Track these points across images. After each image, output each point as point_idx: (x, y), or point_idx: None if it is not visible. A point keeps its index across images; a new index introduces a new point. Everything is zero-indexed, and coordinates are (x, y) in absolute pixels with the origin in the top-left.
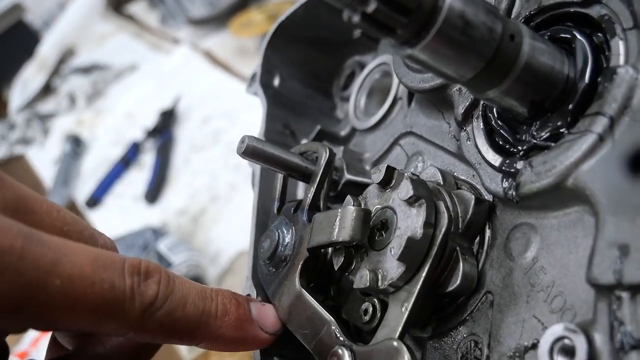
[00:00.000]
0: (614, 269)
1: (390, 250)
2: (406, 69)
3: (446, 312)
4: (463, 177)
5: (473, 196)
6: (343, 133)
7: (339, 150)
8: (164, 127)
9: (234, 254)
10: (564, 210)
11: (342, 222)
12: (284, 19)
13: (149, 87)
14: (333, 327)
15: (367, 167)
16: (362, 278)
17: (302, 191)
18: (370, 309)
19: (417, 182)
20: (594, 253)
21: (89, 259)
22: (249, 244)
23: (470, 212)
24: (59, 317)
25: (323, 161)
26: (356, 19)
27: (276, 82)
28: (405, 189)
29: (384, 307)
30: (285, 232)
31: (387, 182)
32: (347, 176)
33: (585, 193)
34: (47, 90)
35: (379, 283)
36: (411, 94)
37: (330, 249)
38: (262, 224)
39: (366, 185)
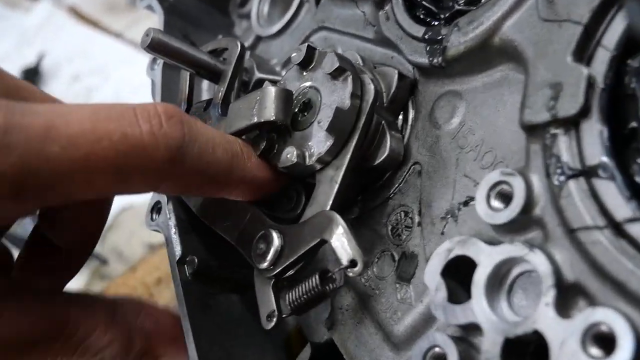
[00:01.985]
0: (547, 106)
1: (318, 123)
2: None
3: (373, 189)
4: (381, 61)
5: (396, 70)
6: (247, 44)
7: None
8: None
9: (116, 210)
10: (488, 71)
11: (262, 103)
12: None
13: (7, 45)
14: (257, 214)
15: (278, 69)
16: (288, 155)
17: (207, 96)
18: (295, 195)
19: (341, 56)
20: (526, 97)
21: (89, 113)
22: None
23: (394, 86)
24: (71, 186)
25: (235, 55)
26: None
27: None
28: (330, 62)
29: (308, 192)
30: None
31: (308, 62)
32: (258, 74)
33: (512, 45)
34: None
35: (307, 160)
36: None
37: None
38: None
39: (276, 83)
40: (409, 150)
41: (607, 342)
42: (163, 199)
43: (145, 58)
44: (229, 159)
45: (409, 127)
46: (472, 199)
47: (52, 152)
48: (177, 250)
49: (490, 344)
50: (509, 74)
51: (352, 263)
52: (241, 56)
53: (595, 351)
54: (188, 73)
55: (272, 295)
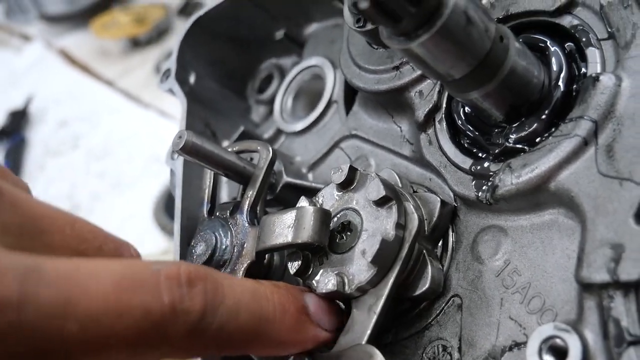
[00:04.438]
0: (607, 267)
1: (362, 253)
2: (357, 69)
3: (408, 317)
4: (418, 181)
5: (439, 198)
6: (266, 135)
7: None
8: (14, 129)
9: None
10: (537, 212)
11: (300, 223)
12: (203, 14)
13: None
14: None
15: (304, 170)
16: (328, 283)
17: (225, 194)
18: None
19: (386, 183)
20: (585, 252)
21: (112, 283)
22: (174, 250)
23: (436, 215)
24: None
25: (266, 161)
26: (365, 4)
27: (192, 79)
28: (376, 190)
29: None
30: (222, 234)
31: (349, 183)
32: (286, 179)
33: (568, 195)
34: None
35: (346, 287)
36: (350, 97)
37: (275, 254)
38: (187, 228)
39: (305, 189)
40: (448, 280)
41: None
42: None
43: (136, 108)
44: (255, 324)
45: (448, 257)
46: (517, 344)
47: (69, 333)
48: None
49: None
50: (559, 218)
51: None
52: (272, 163)
53: None
54: (212, 172)
55: None
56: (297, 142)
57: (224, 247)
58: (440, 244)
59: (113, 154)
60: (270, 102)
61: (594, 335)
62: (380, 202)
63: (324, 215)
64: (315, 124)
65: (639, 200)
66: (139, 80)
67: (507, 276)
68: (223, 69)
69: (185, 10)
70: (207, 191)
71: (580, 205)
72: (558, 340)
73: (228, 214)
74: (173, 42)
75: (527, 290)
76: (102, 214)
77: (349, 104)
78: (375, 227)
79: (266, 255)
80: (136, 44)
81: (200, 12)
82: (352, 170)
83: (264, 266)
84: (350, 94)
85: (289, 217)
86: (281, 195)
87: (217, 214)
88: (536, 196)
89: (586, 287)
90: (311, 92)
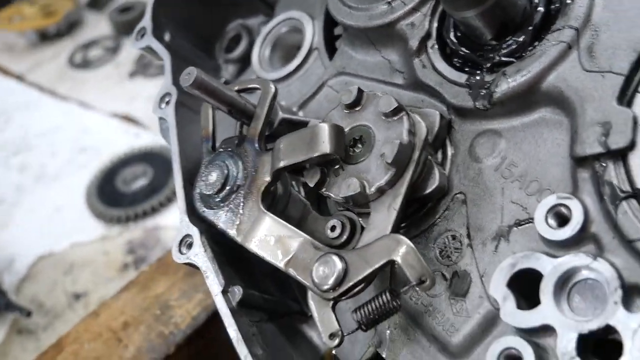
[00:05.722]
0: (599, 141)
1: (381, 156)
2: (347, 9)
3: (416, 217)
4: (411, 104)
5: (437, 112)
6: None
7: None
8: None
9: (32, 259)
10: (526, 113)
11: (317, 138)
12: None
13: None
14: (310, 241)
15: (294, 109)
16: (350, 186)
17: None
18: (339, 225)
19: (394, 97)
20: (578, 133)
21: None
22: (177, 186)
23: (437, 126)
24: None
25: (270, 96)
26: None
27: (167, 37)
28: (388, 102)
29: (352, 221)
30: (232, 163)
31: (356, 103)
32: (282, 115)
33: (558, 91)
34: None
35: (367, 189)
36: (330, 43)
37: (279, 184)
38: (186, 167)
39: (299, 123)
40: (450, 182)
41: None
42: (195, 233)
43: (52, 101)
44: None
45: (449, 162)
46: (521, 221)
47: None
48: (220, 281)
49: (565, 341)
50: (547, 115)
51: (422, 280)
52: (274, 97)
53: None
54: (211, 109)
55: (334, 316)
56: (279, 88)
57: (235, 173)
58: (440, 151)
59: (33, 147)
60: (239, 60)
61: (591, 199)
62: (391, 114)
63: (338, 130)
64: (296, 70)
65: (620, 86)
66: (52, 73)
67: (505, 169)
68: (192, 29)
69: (95, 3)
70: (209, 127)
71: (569, 97)
72: (561, 208)
73: (234, 147)
74: (86, 34)
75: (525, 177)
76: (29, 206)
77: (328, 51)
78: (388, 135)
79: None
80: (45, 36)
81: None
82: (360, 91)
83: (268, 194)
84: (329, 41)
85: (306, 134)
86: (278, 131)
87: (222, 147)
88: (528, 97)
89: (580, 161)
90: (287, 44)
